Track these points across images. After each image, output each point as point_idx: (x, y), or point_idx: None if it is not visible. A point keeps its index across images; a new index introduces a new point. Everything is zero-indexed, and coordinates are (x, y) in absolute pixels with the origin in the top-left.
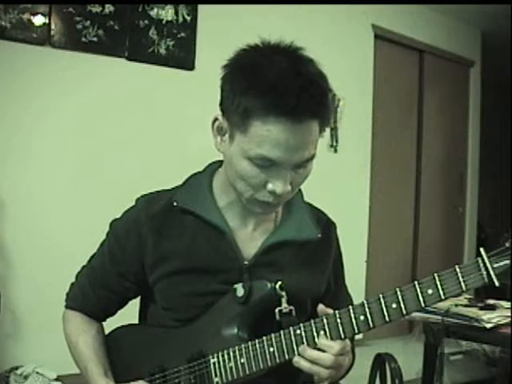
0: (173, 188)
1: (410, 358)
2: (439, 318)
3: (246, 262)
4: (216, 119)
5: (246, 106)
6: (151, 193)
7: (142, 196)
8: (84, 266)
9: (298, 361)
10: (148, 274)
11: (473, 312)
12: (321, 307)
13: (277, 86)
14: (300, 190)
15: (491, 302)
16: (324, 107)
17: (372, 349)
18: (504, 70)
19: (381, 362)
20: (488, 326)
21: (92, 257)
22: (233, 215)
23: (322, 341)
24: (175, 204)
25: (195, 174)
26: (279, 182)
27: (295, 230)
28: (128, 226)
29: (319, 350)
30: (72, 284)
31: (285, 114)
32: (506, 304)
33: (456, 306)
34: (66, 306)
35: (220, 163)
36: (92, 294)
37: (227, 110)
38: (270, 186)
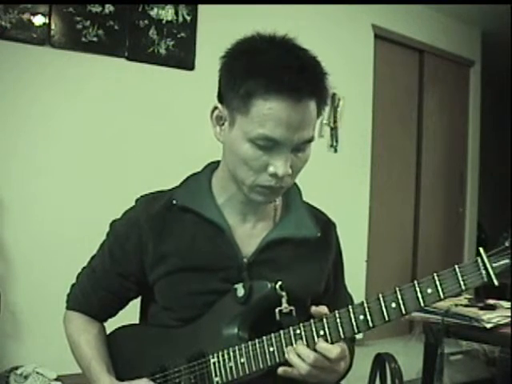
0: (172, 188)
1: (410, 358)
2: (439, 317)
3: (246, 260)
4: (215, 108)
5: (247, 88)
6: (151, 193)
7: (141, 196)
8: (84, 267)
9: (287, 352)
10: (148, 273)
11: (473, 312)
12: (315, 309)
13: (276, 66)
14: (299, 189)
15: (491, 301)
16: (321, 87)
17: (372, 349)
18: (504, 69)
19: (381, 361)
20: (488, 326)
21: (92, 257)
22: (232, 212)
23: (321, 344)
24: (174, 202)
25: (194, 174)
26: (280, 164)
27: (294, 228)
28: (128, 226)
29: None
30: (73, 285)
31: (285, 91)
32: (506, 304)
33: (456, 305)
34: (67, 307)
35: (218, 163)
36: (93, 295)
37: (227, 97)
38: (271, 169)
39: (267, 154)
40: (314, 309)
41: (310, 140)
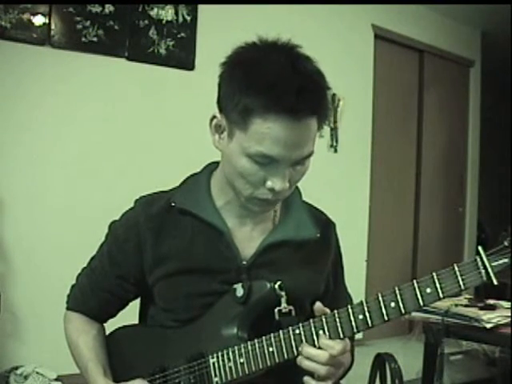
0: (171, 189)
1: (409, 358)
2: (439, 317)
3: (245, 262)
4: (214, 117)
5: (246, 104)
6: (149, 194)
7: (140, 197)
8: (84, 268)
9: (300, 360)
10: (147, 275)
11: (473, 312)
12: (318, 305)
13: (276, 84)
14: (298, 189)
15: (491, 302)
16: (322, 104)
17: (372, 349)
18: (504, 70)
19: (381, 361)
20: (488, 326)
21: (92, 258)
22: (231, 215)
23: (323, 340)
24: (173, 204)
25: (193, 174)
26: (278, 179)
27: (294, 230)
28: (127, 227)
29: (320, 348)
30: (72, 286)
31: (284, 112)
32: (506, 304)
33: (456, 305)
34: (67, 308)
35: (217, 164)
36: (92, 296)
37: (226, 108)
38: (269, 184)
39: (265, 169)
40: (317, 304)
41: (310, 155)
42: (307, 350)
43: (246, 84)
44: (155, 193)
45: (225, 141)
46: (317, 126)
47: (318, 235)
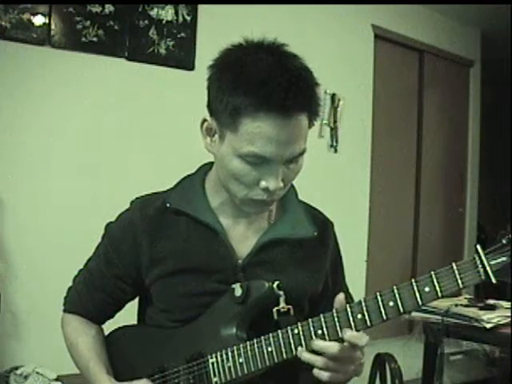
0: (167, 190)
1: (409, 358)
2: (439, 317)
3: (240, 261)
4: (204, 120)
5: (235, 105)
6: (145, 195)
7: (136, 199)
8: (81, 269)
9: (300, 351)
10: (144, 275)
11: (473, 312)
12: (340, 297)
13: (264, 83)
14: (294, 188)
15: (491, 302)
16: (312, 101)
17: (372, 349)
18: (504, 69)
19: (381, 361)
20: (488, 326)
21: (88, 260)
22: (226, 215)
23: (317, 342)
24: (168, 205)
25: (188, 175)
26: (272, 179)
27: (290, 228)
28: (123, 228)
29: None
30: (69, 288)
31: (274, 109)
32: (506, 304)
33: (456, 305)
34: (64, 310)
35: (212, 164)
36: (89, 298)
37: (216, 110)
38: (262, 184)
39: (257, 169)
40: (340, 297)
41: (302, 153)
42: (317, 343)
43: (234, 85)
44: (151, 194)
45: (216, 143)
46: (307, 122)
47: (316, 234)
